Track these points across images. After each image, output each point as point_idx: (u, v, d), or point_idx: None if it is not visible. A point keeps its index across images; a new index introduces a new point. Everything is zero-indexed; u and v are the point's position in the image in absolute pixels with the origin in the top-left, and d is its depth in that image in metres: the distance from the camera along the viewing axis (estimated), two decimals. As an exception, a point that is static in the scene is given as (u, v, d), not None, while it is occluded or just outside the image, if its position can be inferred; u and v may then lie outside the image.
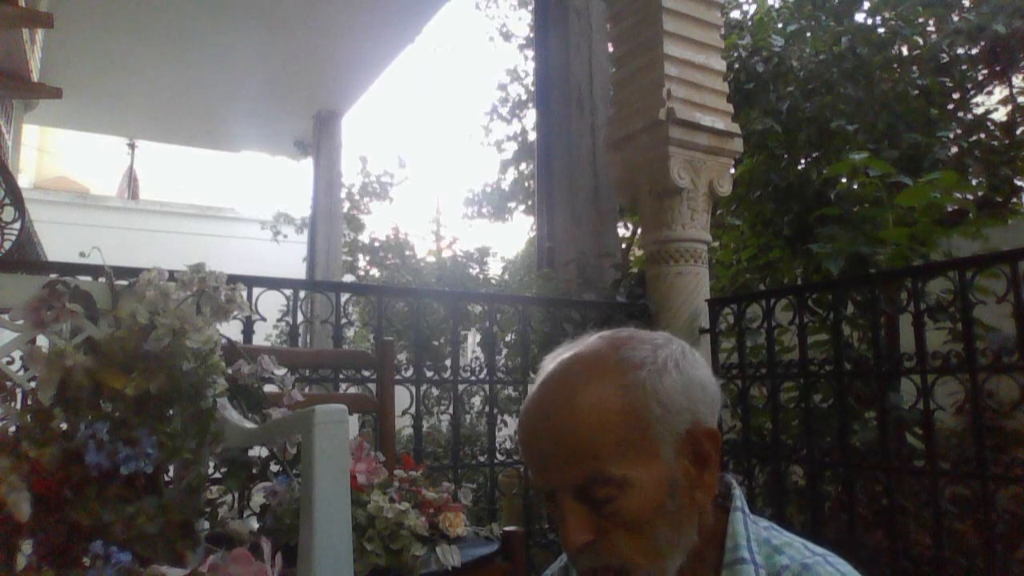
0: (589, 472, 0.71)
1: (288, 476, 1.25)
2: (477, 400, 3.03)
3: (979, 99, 4.26)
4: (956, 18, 4.11)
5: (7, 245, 2.12)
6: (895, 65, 4.08)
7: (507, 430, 3.14)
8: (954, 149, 3.73)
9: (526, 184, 9.35)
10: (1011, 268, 1.82)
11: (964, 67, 4.04)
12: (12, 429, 0.98)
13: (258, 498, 1.33)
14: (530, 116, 9.01)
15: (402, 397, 2.23)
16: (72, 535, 0.90)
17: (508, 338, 3.75)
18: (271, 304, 2.28)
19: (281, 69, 6.68)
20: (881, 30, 4.19)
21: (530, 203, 8.86)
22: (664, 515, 0.72)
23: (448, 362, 2.57)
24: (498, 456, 2.60)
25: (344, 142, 7.98)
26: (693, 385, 0.76)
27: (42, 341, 1.18)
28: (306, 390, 2.05)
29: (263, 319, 2.19)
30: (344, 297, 2.43)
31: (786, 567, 0.74)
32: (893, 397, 2.22)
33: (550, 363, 0.80)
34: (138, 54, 6.21)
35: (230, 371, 1.18)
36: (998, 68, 4.05)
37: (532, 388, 0.79)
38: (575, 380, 0.75)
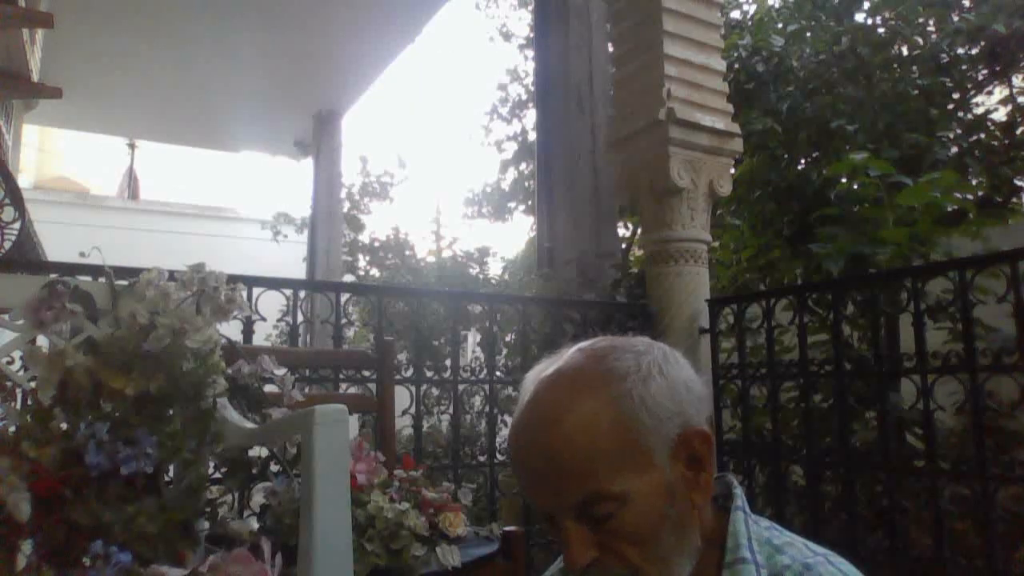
0: (587, 492, 0.71)
1: (288, 476, 1.25)
2: (477, 400, 3.03)
3: (979, 99, 4.25)
4: (956, 18, 4.10)
5: (7, 245, 2.12)
6: (895, 65, 4.07)
7: (507, 430, 3.13)
8: (954, 149, 3.73)
9: (526, 184, 9.34)
10: (1011, 268, 1.83)
11: (964, 67, 4.03)
12: (12, 429, 0.98)
13: (258, 498, 1.33)
14: (530, 116, 9.01)
15: (402, 397, 2.23)
16: (72, 535, 0.90)
17: (508, 338, 3.75)
18: (271, 304, 2.28)
19: (281, 69, 6.68)
20: (881, 30, 4.18)
21: (530, 203, 8.85)
22: (666, 523, 0.72)
23: (448, 362, 2.57)
24: (498, 456, 2.60)
25: (344, 142, 7.98)
26: (678, 387, 0.75)
27: (42, 341, 1.18)
28: (306, 390, 2.05)
29: (263, 319, 2.19)
30: (344, 297, 2.43)
31: (787, 567, 0.74)
32: (893, 397, 2.22)
33: (532, 382, 0.78)
34: (138, 54, 6.20)
35: (230, 371, 1.18)
36: (998, 68, 4.05)
37: (518, 409, 0.78)
38: (562, 399, 0.74)
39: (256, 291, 2.16)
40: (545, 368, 0.79)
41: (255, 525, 1.29)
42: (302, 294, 2.53)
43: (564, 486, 0.71)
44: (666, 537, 0.72)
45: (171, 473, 1.12)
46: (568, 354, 0.79)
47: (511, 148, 9.65)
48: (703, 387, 0.79)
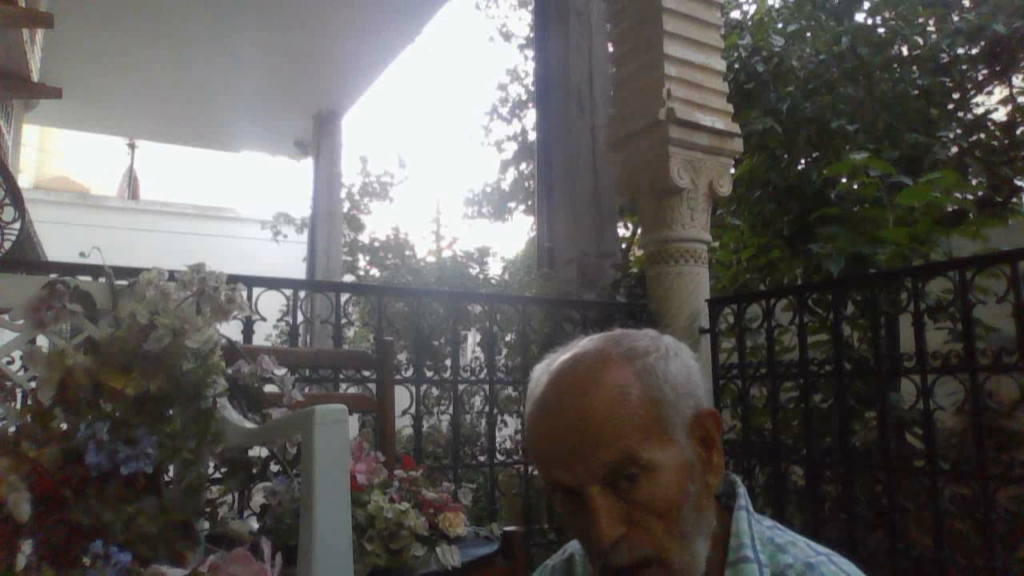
0: (617, 453, 0.71)
1: (288, 476, 1.25)
2: (477, 400, 3.03)
3: (979, 99, 4.25)
4: (956, 18, 4.10)
5: (7, 245, 2.12)
6: (895, 65, 4.07)
7: (507, 430, 3.14)
8: (954, 149, 3.73)
9: (526, 184, 9.35)
10: (1011, 268, 1.83)
11: (964, 67, 4.03)
12: (12, 429, 0.98)
13: (258, 498, 1.33)
14: (530, 116, 9.02)
15: (402, 397, 2.23)
16: (72, 535, 0.90)
17: (508, 338, 3.75)
18: (271, 304, 2.28)
19: (281, 69, 6.68)
20: (881, 30, 4.18)
21: (530, 203, 8.86)
22: (688, 499, 0.73)
23: (448, 362, 2.57)
24: (498, 456, 2.60)
25: (344, 142, 7.98)
26: (692, 370, 0.79)
27: (42, 341, 1.18)
28: (306, 390, 2.05)
29: (263, 319, 2.19)
30: (344, 297, 2.43)
31: (790, 566, 0.74)
32: (893, 397, 2.22)
33: (546, 370, 0.78)
34: (138, 54, 6.20)
35: (230, 371, 1.18)
36: (998, 68, 4.05)
37: (537, 394, 0.78)
38: (588, 372, 0.75)
39: (256, 291, 2.16)
40: (557, 357, 0.79)
41: (255, 525, 1.29)
42: (302, 294, 2.52)
43: (594, 451, 0.71)
44: (688, 513, 0.73)
45: (171, 473, 1.12)
46: (581, 343, 0.80)
47: (511, 148, 9.66)
48: (705, 380, 0.82)
